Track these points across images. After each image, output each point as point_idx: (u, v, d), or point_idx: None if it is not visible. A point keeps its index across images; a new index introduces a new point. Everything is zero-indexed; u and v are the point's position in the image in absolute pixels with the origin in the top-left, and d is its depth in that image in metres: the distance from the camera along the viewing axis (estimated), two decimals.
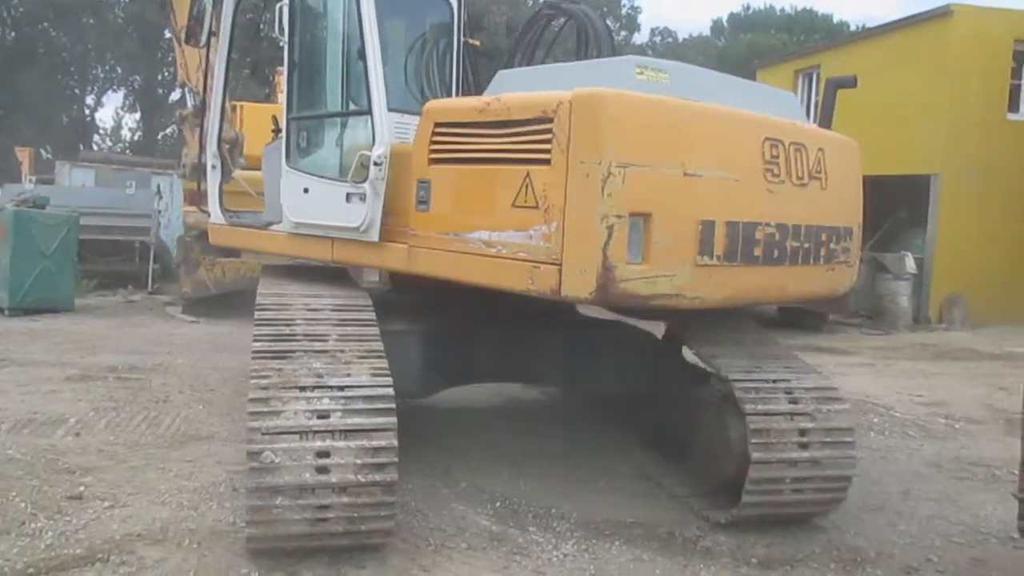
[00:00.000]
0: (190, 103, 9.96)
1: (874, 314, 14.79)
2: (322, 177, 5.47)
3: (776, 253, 4.51)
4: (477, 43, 6.89)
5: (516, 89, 4.51)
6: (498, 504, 4.96)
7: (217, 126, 6.72)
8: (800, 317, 13.74)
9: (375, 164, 4.99)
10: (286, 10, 5.66)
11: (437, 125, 4.70)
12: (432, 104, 4.91)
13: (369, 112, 5.09)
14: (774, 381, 4.76)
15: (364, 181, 5.05)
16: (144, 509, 4.58)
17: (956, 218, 15.25)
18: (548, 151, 4.04)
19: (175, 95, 33.67)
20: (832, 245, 4.95)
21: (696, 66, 5.01)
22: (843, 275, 5.23)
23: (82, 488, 4.82)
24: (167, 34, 33.25)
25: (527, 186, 4.14)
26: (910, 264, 14.56)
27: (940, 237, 15.41)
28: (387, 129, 5.05)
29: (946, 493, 5.64)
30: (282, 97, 7.63)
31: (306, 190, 5.52)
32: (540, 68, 5.26)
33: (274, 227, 5.97)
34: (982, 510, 5.31)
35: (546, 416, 6.98)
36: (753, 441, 4.50)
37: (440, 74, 6.13)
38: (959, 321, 14.94)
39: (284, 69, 5.95)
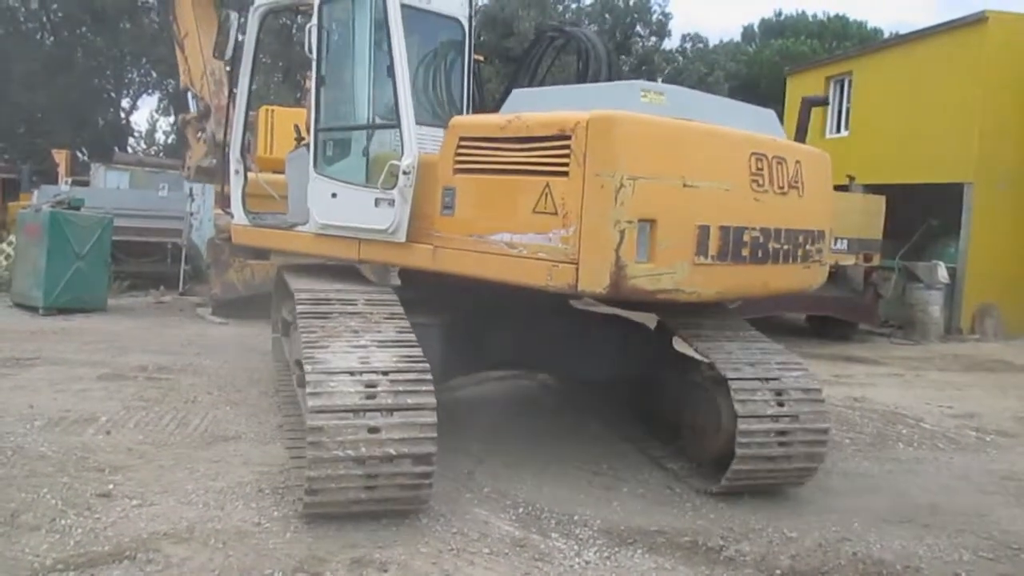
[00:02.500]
0: (193, 108, 10.06)
1: (904, 324, 14.61)
2: (350, 183, 5.93)
3: (760, 253, 5.17)
4: (482, 58, 7.19)
5: (530, 107, 5.12)
6: (520, 510, 4.97)
7: (241, 133, 7.11)
8: (828, 326, 13.62)
9: (404, 173, 5.48)
10: (314, 30, 6.01)
11: (462, 139, 5.25)
12: (458, 120, 5.46)
13: (398, 125, 5.58)
14: (756, 368, 5.34)
15: (393, 188, 5.53)
16: (171, 508, 4.64)
17: (989, 227, 15.02)
18: (566, 164, 4.62)
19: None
20: (808, 246, 5.61)
21: (688, 88, 5.65)
22: (816, 273, 5.89)
23: (111, 486, 4.90)
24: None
25: (546, 194, 4.72)
26: (942, 273, 14.36)
27: (973, 246, 15.18)
28: (415, 141, 5.54)
29: (976, 507, 5.56)
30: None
31: (334, 195, 5.99)
32: (552, 89, 5.82)
33: (299, 228, 6.38)
34: (1012, 525, 5.23)
35: (569, 421, 6.98)
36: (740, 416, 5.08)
37: (451, 89, 6.63)
38: (992, 332, 14.72)
39: (311, 83, 6.21)
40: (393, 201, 5.54)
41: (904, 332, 14.42)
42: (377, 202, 5.64)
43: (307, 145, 6.77)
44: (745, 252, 5.04)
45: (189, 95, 10.00)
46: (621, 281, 4.49)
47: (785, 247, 5.35)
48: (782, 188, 5.28)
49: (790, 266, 5.48)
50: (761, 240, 5.15)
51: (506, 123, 5.02)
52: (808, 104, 6.63)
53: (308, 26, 6.06)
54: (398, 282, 6.77)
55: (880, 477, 6.12)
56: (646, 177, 4.54)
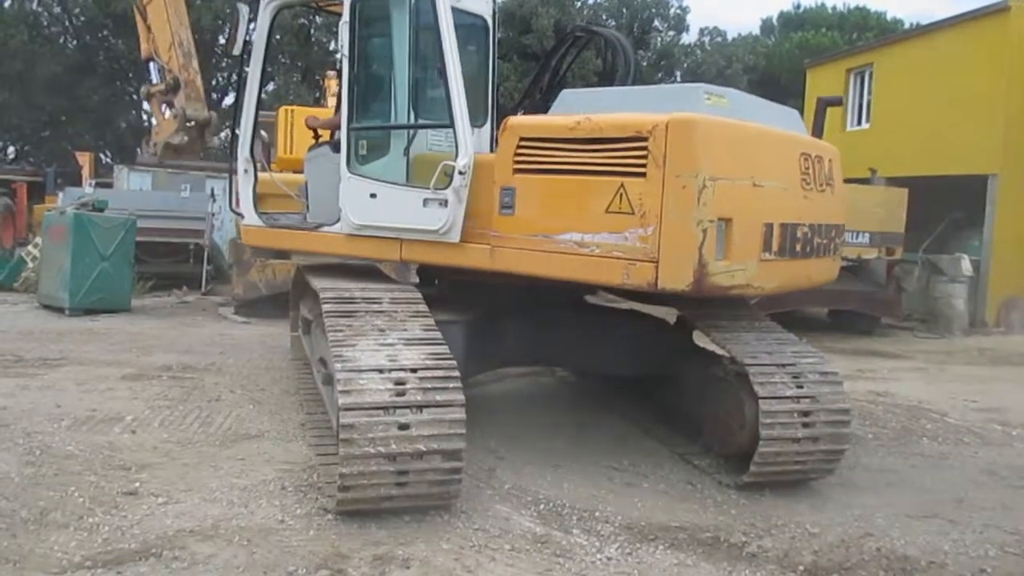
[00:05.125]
0: (155, 79, 9.36)
1: (928, 317, 14.45)
2: (392, 183, 5.83)
3: (808, 248, 5.44)
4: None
5: (586, 108, 5.15)
6: (542, 506, 4.98)
7: (250, 132, 6.89)
8: (851, 320, 13.50)
9: (460, 173, 5.43)
10: (345, 28, 5.93)
11: (523, 139, 5.23)
12: (516, 120, 5.43)
13: (452, 126, 5.54)
14: (773, 356, 5.45)
15: (446, 188, 5.47)
16: (196, 506, 4.70)
17: (1014, 219, 14.80)
18: (644, 165, 4.72)
19: (228, 99, 34.38)
20: (836, 239, 5.90)
21: (739, 91, 5.75)
22: (837, 264, 6.22)
23: (137, 484, 4.97)
24: (221, 39, 33.99)
25: (621, 195, 4.81)
26: (966, 266, 14.18)
27: (997, 239, 14.99)
28: (471, 141, 5.49)
29: (1001, 502, 5.50)
30: (332, 102, 7.79)
31: (373, 195, 5.88)
32: (606, 90, 5.84)
33: (327, 229, 6.26)
34: None
35: (590, 418, 6.98)
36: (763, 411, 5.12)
37: (476, 87, 6.56)
38: (1017, 325, 14.52)
39: (343, 81, 6.08)
40: (445, 201, 5.49)
41: (928, 326, 14.27)
42: (426, 202, 5.59)
43: (328, 144, 6.80)
44: (798, 247, 5.31)
45: (152, 66, 9.43)
46: (703, 278, 4.64)
47: (824, 241, 5.66)
48: (821, 186, 5.59)
49: (824, 259, 5.79)
50: (809, 235, 5.43)
51: (575, 124, 5.03)
52: (824, 104, 6.78)
53: (340, 23, 6.00)
54: (416, 280, 6.80)
55: (904, 472, 6.07)
56: (723, 178, 4.69)
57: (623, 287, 4.89)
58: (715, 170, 4.65)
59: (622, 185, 4.80)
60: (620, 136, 4.84)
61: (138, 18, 9.44)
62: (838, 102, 7.00)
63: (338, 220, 6.12)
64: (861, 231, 12.95)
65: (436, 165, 5.57)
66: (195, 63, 8.68)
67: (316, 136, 7.28)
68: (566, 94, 5.51)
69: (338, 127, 6.82)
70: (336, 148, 6.34)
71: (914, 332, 14.07)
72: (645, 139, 4.71)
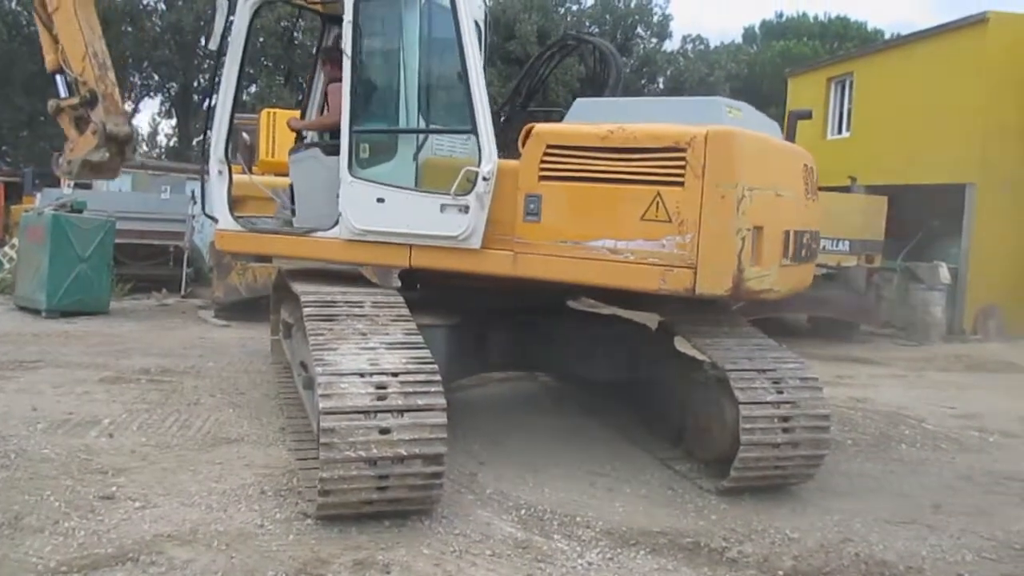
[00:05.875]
0: (63, 92, 8.57)
1: (906, 325, 14.58)
2: (404, 188, 5.74)
3: (806, 253, 5.81)
4: None
5: (598, 117, 5.34)
6: (523, 511, 4.97)
7: (225, 132, 6.61)
8: (830, 327, 13.60)
9: (484, 179, 5.38)
10: (349, 28, 5.79)
11: (549, 146, 5.30)
12: (543, 127, 5.45)
13: (474, 131, 5.46)
14: (753, 361, 5.51)
15: (467, 194, 5.42)
16: (174, 510, 4.65)
17: (991, 228, 15.00)
18: (682, 175, 4.91)
19: (210, 101, 34.16)
20: (815, 245, 6.19)
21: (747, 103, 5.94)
22: (813, 269, 6.52)
23: (114, 488, 4.91)
24: (202, 41, 33.79)
25: (657, 203, 4.97)
26: (944, 274, 14.34)
27: (975, 247, 15.18)
28: (494, 147, 5.43)
29: (979, 507, 5.55)
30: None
31: (380, 200, 5.73)
32: (622, 100, 5.98)
33: (321, 234, 6.09)
34: (1016, 525, 5.22)
35: (571, 423, 6.98)
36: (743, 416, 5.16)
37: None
38: (994, 332, 14.69)
39: (345, 83, 5.89)
40: (466, 207, 5.45)
41: (906, 333, 14.41)
42: (443, 207, 5.52)
43: (316, 146, 6.67)
44: (803, 253, 5.71)
45: (58, 79, 8.61)
46: (740, 283, 4.90)
47: (813, 246, 6.03)
48: (814, 194, 5.98)
49: (811, 263, 6.18)
50: (808, 241, 5.80)
51: (608, 133, 5.15)
52: (795, 117, 7.05)
53: (345, 20, 5.82)
54: (398, 284, 6.78)
55: (882, 478, 6.11)
56: (757, 188, 4.98)
57: (658, 292, 5.05)
58: (751, 180, 4.91)
59: (658, 194, 4.96)
60: (656, 146, 5.00)
61: (41, 27, 8.69)
62: (808, 115, 7.48)
63: (334, 224, 5.97)
64: (841, 239, 13.07)
65: (448, 170, 5.55)
66: (111, 75, 8.20)
67: (300, 138, 7.21)
68: (581, 103, 5.58)
69: (325, 129, 6.76)
70: (328, 151, 6.24)
71: (893, 339, 14.21)
72: (683, 150, 4.90)
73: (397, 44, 5.96)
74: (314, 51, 7.32)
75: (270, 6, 7.47)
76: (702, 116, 5.05)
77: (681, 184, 4.90)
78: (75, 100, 8.51)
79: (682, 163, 4.90)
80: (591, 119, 5.33)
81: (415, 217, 5.65)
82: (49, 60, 8.62)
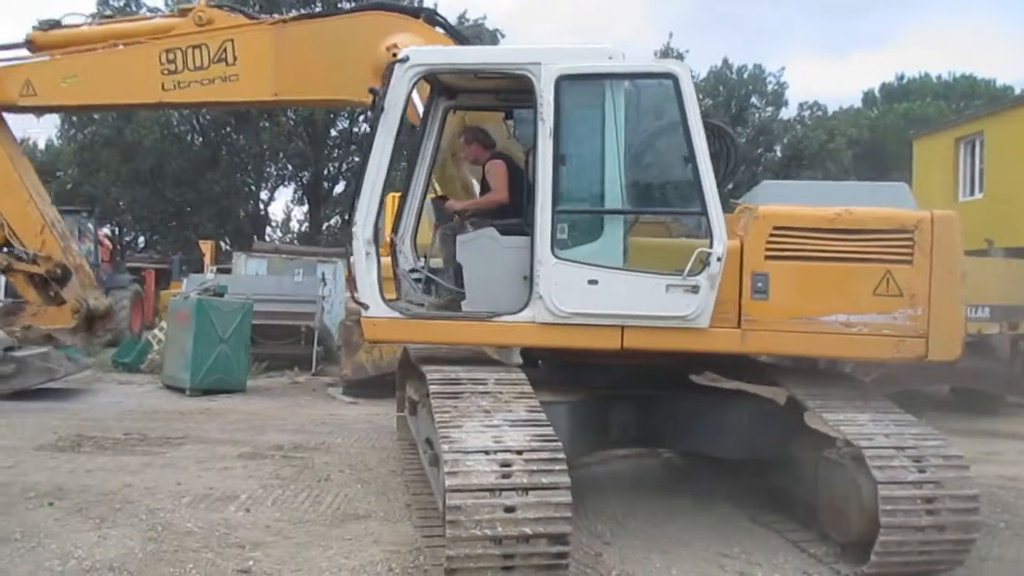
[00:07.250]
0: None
1: None
2: (620, 269, 5.72)
3: None
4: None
5: (781, 198, 6.06)
6: None
7: (375, 212, 5.96)
8: (974, 400, 12.78)
9: (717, 260, 5.57)
10: (548, 107, 5.67)
11: (776, 228, 5.75)
12: (769, 209, 5.87)
13: (704, 212, 5.65)
14: (890, 438, 5.30)
15: (699, 274, 5.59)
16: None
17: None
18: (910, 254, 5.66)
19: (339, 187, 35.96)
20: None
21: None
22: None
23: (251, 563, 5.10)
24: (333, 132, 35.74)
25: (888, 279, 5.64)
26: None
27: None
28: (724, 227, 5.62)
29: None
30: (440, 187, 7.75)
31: (593, 281, 5.66)
32: (807, 183, 6.68)
33: (507, 318, 5.81)
34: None
35: (697, 501, 6.79)
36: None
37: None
38: None
39: (540, 162, 5.73)
40: (695, 287, 5.56)
41: None
42: (668, 288, 5.59)
43: (489, 226, 6.21)
44: None
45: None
46: (962, 349, 5.73)
47: None
48: None
49: None
50: None
51: (836, 216, 5.73)
52: None
53: (548, 97, 5.67)
54: (520, 361, 6.84)
55: None
56: (965, 263, 5.83)
57: (893, 361, 5.79)
58: (963, 257, 5.75)
59: (888, 271, 5.62)
60: (884, 228, 5.68)
61: None
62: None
63: (522, 308, 5.76)
64: (982, 304, 12.36)
65: (654, 249, 5.81)
66: (73, 244, 7.49)
67: (447, 218, 6.78)
68: (766, 185, 6.06)
69: (491, 207, 6.48)
70: (504, 230, 6.07)
71: None
72: (910, 232, 5.64)
73: (600, 124, 5.82)
74: (419, 128, 6.80)
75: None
76: (893, 200, 5.86)
77: (910, 262, 5.61)
78: (38, 269, 7.66)
79: (910, 243, 5.62)
80: (781, 200, 5.95)
81: (634, 298, 5.65)
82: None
